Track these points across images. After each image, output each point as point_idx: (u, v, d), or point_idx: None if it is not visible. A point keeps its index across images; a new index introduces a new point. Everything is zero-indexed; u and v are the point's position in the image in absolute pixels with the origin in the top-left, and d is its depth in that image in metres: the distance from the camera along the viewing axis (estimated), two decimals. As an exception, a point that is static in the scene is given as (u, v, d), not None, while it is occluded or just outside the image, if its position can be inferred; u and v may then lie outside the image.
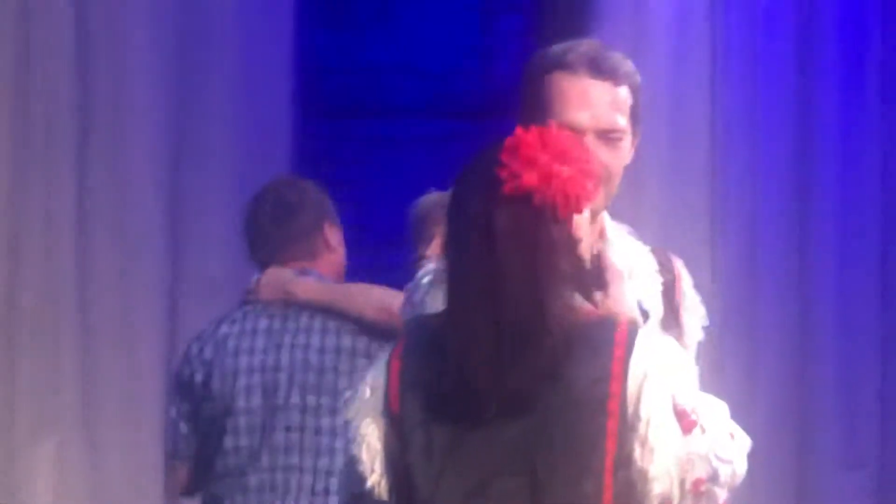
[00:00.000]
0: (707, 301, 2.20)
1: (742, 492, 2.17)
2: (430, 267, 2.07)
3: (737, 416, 1.98)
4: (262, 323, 3.35)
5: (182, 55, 4.85)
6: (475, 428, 1.73)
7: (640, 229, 2.13)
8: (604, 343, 1.73)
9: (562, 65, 2.02)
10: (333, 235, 3.51)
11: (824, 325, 5.16)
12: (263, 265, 3.46)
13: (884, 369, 5.26)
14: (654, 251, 2.11)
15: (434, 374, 1.75)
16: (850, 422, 5.21)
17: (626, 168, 2.06)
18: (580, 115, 1.99)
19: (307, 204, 3.49)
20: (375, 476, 1.78)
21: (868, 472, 5.17)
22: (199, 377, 3.34)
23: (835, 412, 5.11)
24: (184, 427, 3.38)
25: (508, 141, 1.77)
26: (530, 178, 1.73)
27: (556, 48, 2.07)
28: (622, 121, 2.02)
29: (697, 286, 2.23)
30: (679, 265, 2.16)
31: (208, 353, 3.35)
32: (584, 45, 2.08)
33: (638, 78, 2.07)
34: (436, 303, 1.89)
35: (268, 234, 3.47)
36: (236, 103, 4.82)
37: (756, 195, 5.08)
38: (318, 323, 3.31)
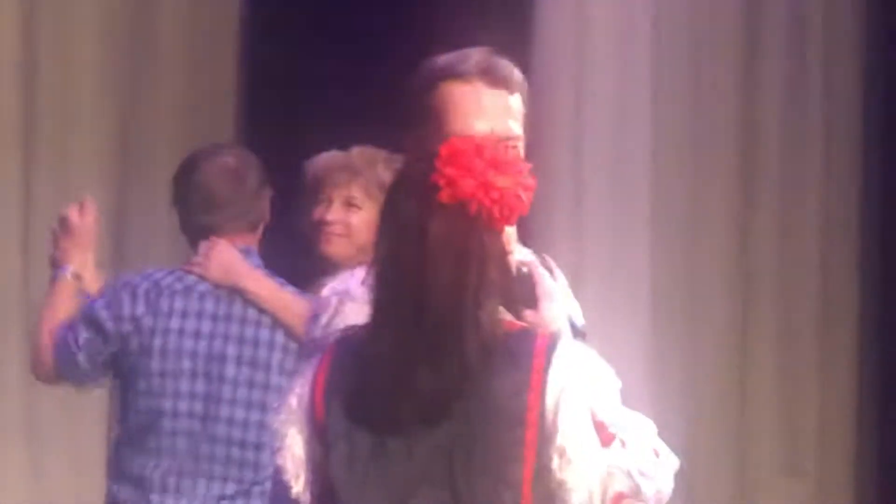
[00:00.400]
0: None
1: (683, 499, 2.21)
2: (337, 288, 2.02)
3: (677, 425, 2.02)
4: (209, 305, 3.32)
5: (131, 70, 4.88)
6: (395, 437, 1.72)
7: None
8: (524, 354, 1.73)
9: (454, 74, 1.98)
10: (268, 205, 3.46)
11: (763, 334, 5.27)
12: (202, 232, 3.36)
13: (822, 377, 5.36)
14: (539, 257, 2.04)
15: (357, 383, 1.74)
16: (790, 429, 5.33)
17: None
18: (477, 124, 1.94)
19: (252, 170, 3.41)
20: (300, 486, 1.77)
21: (809, 479, 5.29)
22: (132, 335, 3.29)
23: (774, 420, 5.24)
24: (84, 360, 3.31)
25: (444, 148, 1.73)
26: (467, 187, 1.71)
27: (447, 57, 2.02)
28: (517, 128, 1.99)
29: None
30: (554, 265, 2.08)
31: (141, 311, 3.29)
32: (476, 54, 2.02)
33: (527, 86, 2.04)
34: (346, 321, 1.88)
35: (213, 199, 3.34)
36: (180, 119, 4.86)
37: (697, 204, 5.19)
38: (266, 318, 3.33)
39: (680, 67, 5.19)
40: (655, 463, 1.84)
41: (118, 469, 3.35)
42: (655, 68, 5.16)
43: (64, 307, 3.36)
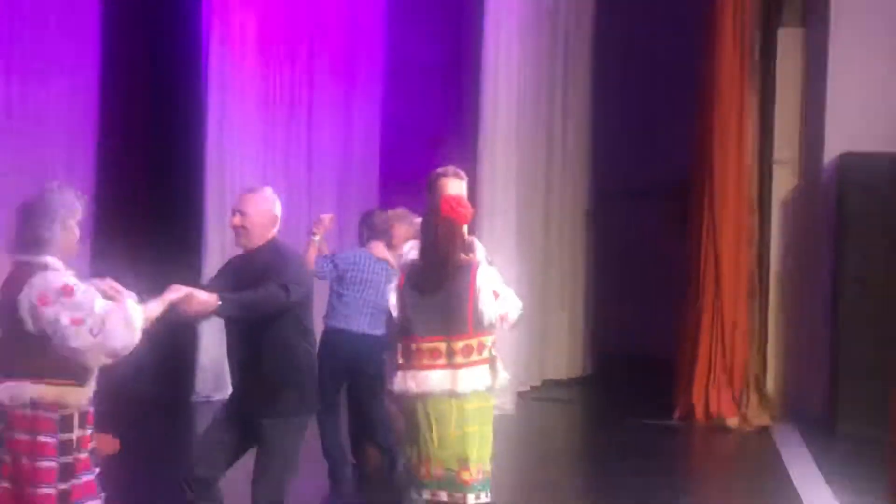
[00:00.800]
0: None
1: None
2: (407, 247, 6.16)
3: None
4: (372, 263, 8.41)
5: None
6: (424, 297, 5.80)
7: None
8: (469, 268, 5.79)
9: (445, 175, 6.00)
10: None
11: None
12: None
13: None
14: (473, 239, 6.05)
15: (413, 276, 5.84)
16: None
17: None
18: (453, 191, 5.94)
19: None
20: (397, 313, 5.84)
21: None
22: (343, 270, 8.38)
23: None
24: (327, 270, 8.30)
25: (446, 198, 5.83)
26: (449, 210, 5.80)
27: (442, 169, 6.05)
28: (464, 192, 6.04)
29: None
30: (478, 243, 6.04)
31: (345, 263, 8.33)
32: (451, 168, 6.07)
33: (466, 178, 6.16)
34: (409, 257, 6.02)
35: None
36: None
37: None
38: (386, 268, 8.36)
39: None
40: (514, 304, 5.83)
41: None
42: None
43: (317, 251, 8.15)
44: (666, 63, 15.36)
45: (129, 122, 15.24)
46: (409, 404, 5.71)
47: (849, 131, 10.95)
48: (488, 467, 5.75)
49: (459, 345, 5.67)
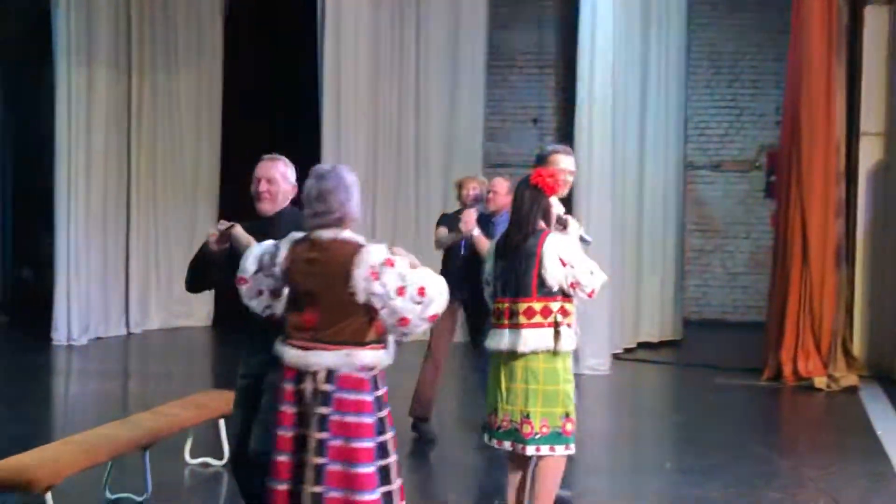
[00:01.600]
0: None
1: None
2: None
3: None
4: None
5: None
6: (503, 259, 6.20)
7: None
8: (541, 234, 6.13)
9: (557, 151, 6.90)
10: None
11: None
12: None
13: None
14: (566, 214, 6.48)
15: (500, 239, 6.33)
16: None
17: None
18: (564, 165, 6.75)
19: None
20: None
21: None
22: None
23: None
24: None
25: (539, 169, 6.31)
26: (541, 180, 6.20)
27: (552, 146, 7.04)
28: (574, 167, 6.85)
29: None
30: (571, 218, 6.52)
31: None
32: (562, 146, 7.01)
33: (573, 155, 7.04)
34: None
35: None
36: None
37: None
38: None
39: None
40: (594, 276, 6.10)
41: None
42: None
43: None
44: (755, 37, 15.82)
45: (249, 96, 15.99)
46: (492, 359, 6.17)
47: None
48: (557, 422, 6.01)
49: (523, 306, 6.00)
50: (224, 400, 7.46)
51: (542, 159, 6.79)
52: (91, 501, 7.03)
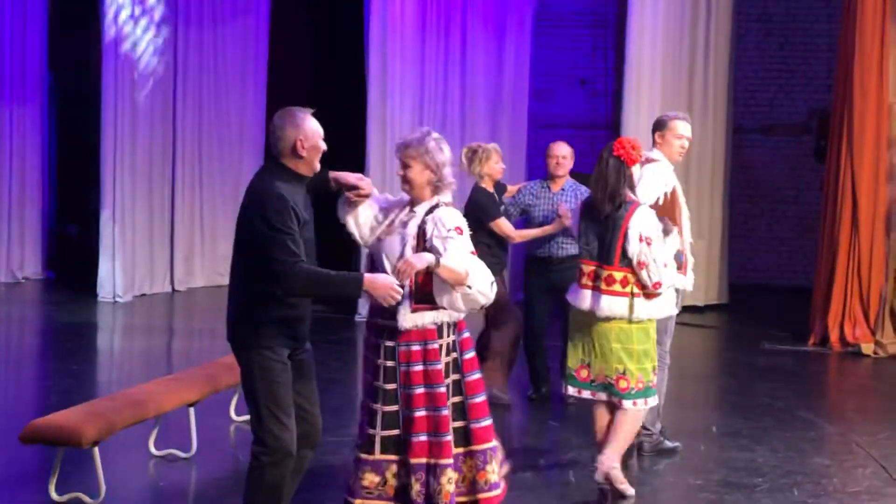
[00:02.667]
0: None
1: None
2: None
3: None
4: None
5: None
6: (589, 224, 6.55)
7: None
8: (630, 206, 6.41)
9: (678, 117, 7.39)
10: None
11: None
12: None
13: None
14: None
15: (586, 205, 6.66)
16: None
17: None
18: (683, 132, 7.34)
19: None
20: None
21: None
22: None
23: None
24: None
25: (622, 139, 6.57)
26: (623, 150, 6.46)
27: (673, 113, 7.54)
28: (689, 133, 7.39)
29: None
30: None
31: None
32: (681, 112, 7.54)
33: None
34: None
35: None
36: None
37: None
38: None
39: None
40: (663, 267, 6.44)
41: None
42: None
43: None
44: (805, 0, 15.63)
45: (295, 49, 15.96)
46: (579, 316, 6.56)
47: None
48: (649, 378, 6.51)
49: (605, 273, 6.43)
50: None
51: (661, 125, 7.31)
52: (137, 457, 7.08)
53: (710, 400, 9.74)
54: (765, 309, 14.19)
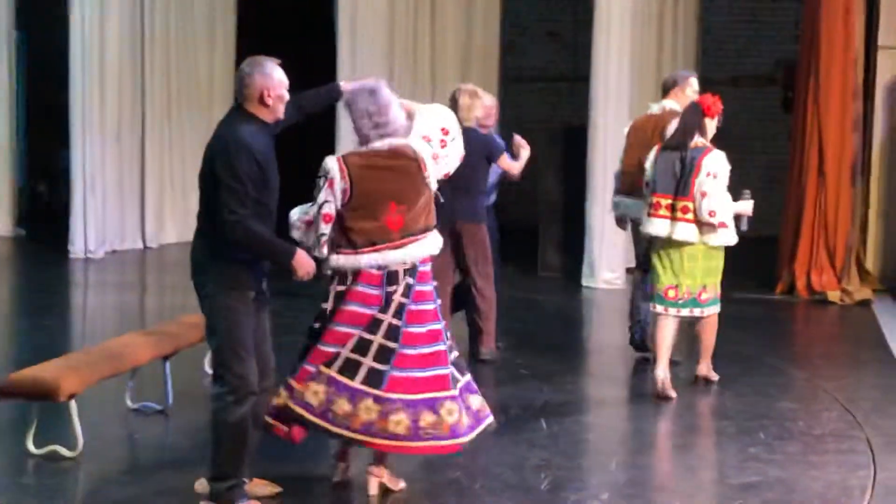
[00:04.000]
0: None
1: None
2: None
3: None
4: None
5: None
6: (666, 163, 7.51)
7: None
8: (704, 149, 7.46)
9: (692, 75, 8.61)
10: None
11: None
12: None
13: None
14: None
15: (664, 145, 7.66)
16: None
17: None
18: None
19: None
20: (649, 172, 7.76)
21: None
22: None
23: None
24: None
25: (706, 95, 7.64)
26: (704, 102, 7.54)
27: (686, 71, 9.13)
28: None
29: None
30: None
31: None
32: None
33: None
34: None
35: None
36: None
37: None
38: None
39: None
40: (724, 203, 7.48)
41: None
42: None
43: None
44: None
45: (264, 5, 15.87)
46: (662, 243, 7.52)
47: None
48: (718, 289, 7.65)
49: (680, 204, 7.43)
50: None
51: (681, 79, 8.46)
52: (113, 410, 7.12)
53: (678, 347, 9.76)
54: (733, 258, 14.25)
